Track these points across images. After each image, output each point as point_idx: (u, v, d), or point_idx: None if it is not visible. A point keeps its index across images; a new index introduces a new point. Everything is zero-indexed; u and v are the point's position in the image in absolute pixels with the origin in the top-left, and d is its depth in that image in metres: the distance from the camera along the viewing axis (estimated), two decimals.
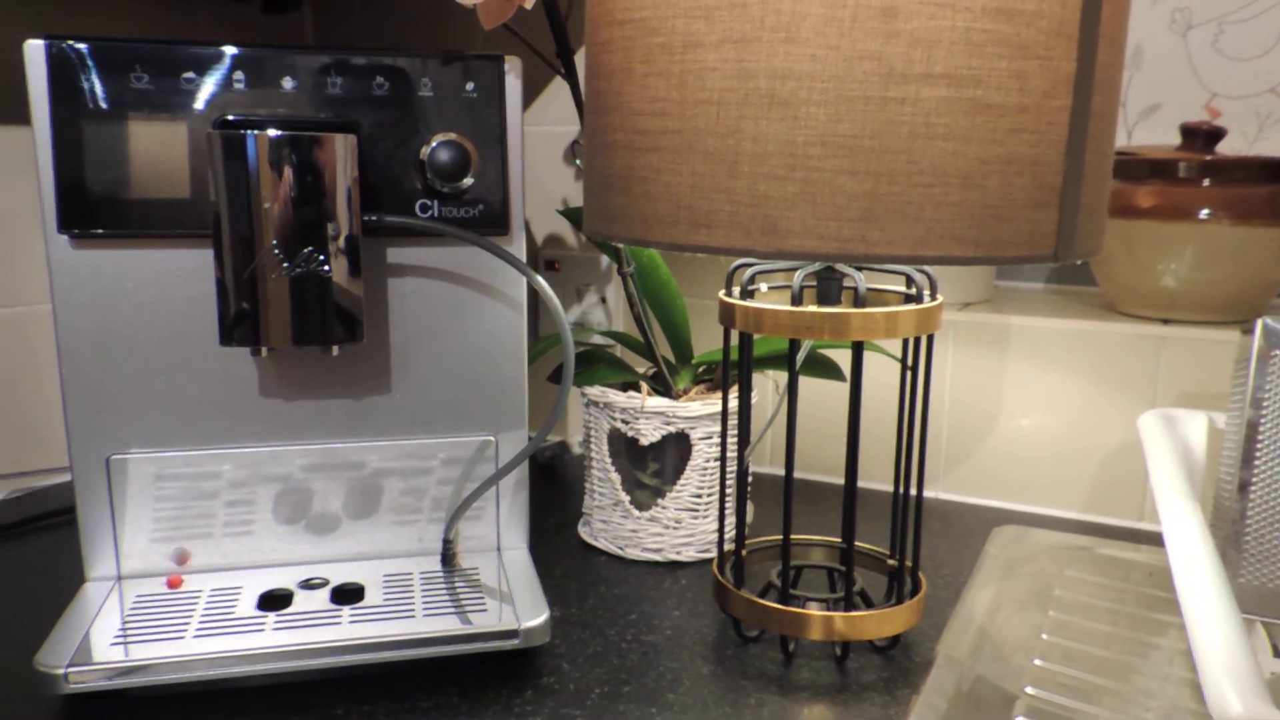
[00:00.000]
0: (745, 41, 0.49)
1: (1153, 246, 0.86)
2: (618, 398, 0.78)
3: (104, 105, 0.62)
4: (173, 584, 0.67)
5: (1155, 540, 0.84)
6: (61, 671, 0.56)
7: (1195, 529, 0.60)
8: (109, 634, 0.60)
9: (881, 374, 0.95)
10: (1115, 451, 0.89)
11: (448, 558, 0.71)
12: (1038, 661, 0.64)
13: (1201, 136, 0.86)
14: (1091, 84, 0.51)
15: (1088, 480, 0.90)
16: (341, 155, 0.62)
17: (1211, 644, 0.50)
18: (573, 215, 0.92)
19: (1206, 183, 0.84)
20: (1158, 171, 0.86)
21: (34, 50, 0.61)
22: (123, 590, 0.66)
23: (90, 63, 0.62)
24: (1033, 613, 0.71)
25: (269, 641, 0.60)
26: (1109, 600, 0.73)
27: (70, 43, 0.61)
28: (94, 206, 0.63)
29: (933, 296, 0.62)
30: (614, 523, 0.82)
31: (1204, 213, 0.84)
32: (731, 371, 0.68)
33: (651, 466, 0.80)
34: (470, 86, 0.67)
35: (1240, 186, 0.83)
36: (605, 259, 1.08)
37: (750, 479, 0.94)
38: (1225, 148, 0.91)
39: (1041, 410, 0.91)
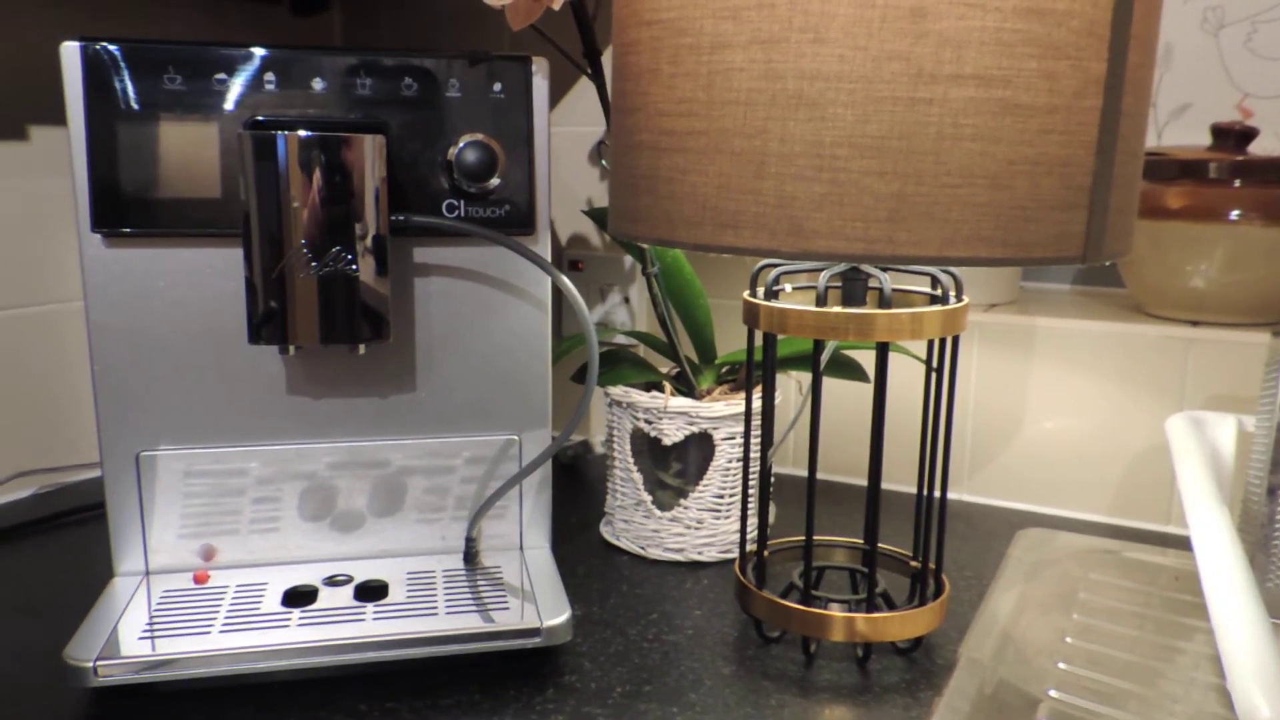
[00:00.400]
0: (773, 42, 0.49)
1: (1182, 248, 0.86)
2: (641, 398, 0.79)
3: (137, 106, 0.63)
4: (199, 579, 0.68)
5: (1182, 544, 0.83)
6: (90, 665, 0.57)
7: (1223, 533, 0.60)
8: (137, 628, 0.61)
9: (905, 375, 0.95)
10: (1142, 454, 0.88)
11: (470, 556, 0.72)
12: (1061, 665, 0.64)
13: (1233, 136, 0.86)
14: (1122, 84, 0.51)
15: (1114, 483, 0.89)
16: (370, 156, 0.62)
17: (1240, 648, 0.50)
18: (597, 215, 0.92)
19: (1237, 183, 0.83)
20: (1188, 172, 0.85)
21: (70, 52, 0.62)
22: (150, 585, 0.67)
23: (124, 64, 0.62)
24: (1057, 616, 0.71)
25: (294, 637, 0.60)
26: (1135, 604, 0.73)
27: (105, 44, 0.62)
28: (126, 206, 0.64)
29: (958, 297, 0.62)
30: (636, 522, 0.82)
31: (1235, 214, 0.83)
32: (755, 372, 0.68)
33: (674, 466, 0.80)
34: (497, 87, 0.68)
35: (1272, 187, 0.82)
36: (629, 259, 1.08)
37: (772, 480, 0.94)
38: (1257, 148, 0.90)
39: (1067, 412, 0.90)
